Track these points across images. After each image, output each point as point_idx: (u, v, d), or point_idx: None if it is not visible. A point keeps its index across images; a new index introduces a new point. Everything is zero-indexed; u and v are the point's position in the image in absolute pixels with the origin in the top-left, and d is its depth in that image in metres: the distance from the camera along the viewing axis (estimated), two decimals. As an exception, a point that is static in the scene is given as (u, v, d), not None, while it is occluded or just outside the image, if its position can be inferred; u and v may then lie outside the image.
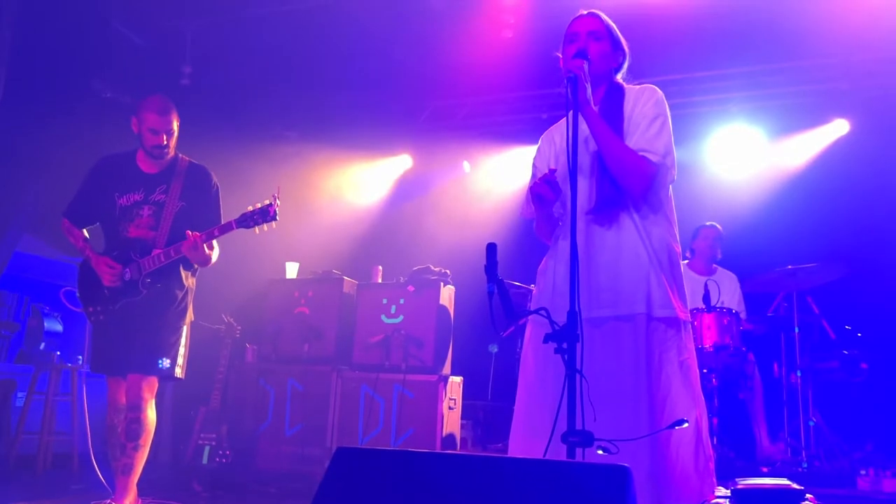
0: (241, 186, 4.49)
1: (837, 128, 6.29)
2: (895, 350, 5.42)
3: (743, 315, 5.46)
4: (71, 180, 3.88)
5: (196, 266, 3.67)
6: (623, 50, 2.73)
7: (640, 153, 2.51)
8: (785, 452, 5.02)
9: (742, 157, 6.54)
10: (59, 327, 5.65)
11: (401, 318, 5.42)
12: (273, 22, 5.48)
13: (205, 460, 5.31)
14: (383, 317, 5.49)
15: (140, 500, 3.54)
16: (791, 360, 5.16)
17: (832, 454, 5.02)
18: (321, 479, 1.81)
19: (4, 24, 4.64)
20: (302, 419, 5.44)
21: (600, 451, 2.13)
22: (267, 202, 3.47)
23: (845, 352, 5.16)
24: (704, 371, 4.96)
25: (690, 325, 2.62)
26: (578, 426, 2.04)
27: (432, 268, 5.54)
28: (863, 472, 4.45)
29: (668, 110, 2.60)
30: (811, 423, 4.94)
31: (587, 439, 2.02)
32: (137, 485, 3.49)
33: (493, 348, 6.12)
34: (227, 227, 3.48)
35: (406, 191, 7.59)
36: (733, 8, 5.13)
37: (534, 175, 2.81)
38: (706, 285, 5.10)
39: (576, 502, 1.59)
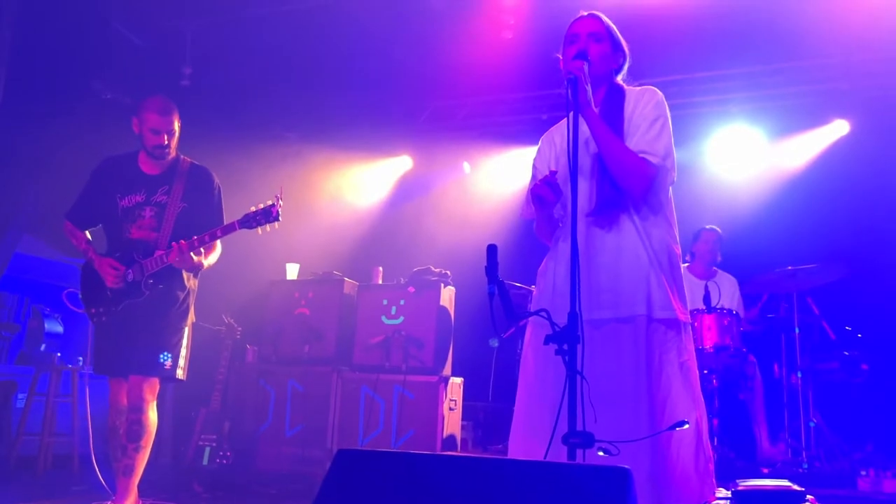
0: (242, 187, 4.49)
1: (837, 128, 6.29)
2: (895, 351, 5.42)
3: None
4: (71, 181, 3.88)
5: (204, 268, 3.67)
6: (623, 51, 2.73)
7: (641, 155, 2.51)
8: (785, 453, 5.02)
9: (742, 158, 6.54)
10: (59, 328, 5.65)
11: (401, 319, 5.42)
12: (273, 22, 5.49)
13: (205, 461, 5.31)
14: (384, 318, 5.49)
15: (141, 501, 3.55)
16: (791, 361, 5.16)
17: (833, 455, 5.02)
18: (322, 481, 1.81)
19: (4, 24, 4.65)
20: (302, 420, 5.44)
21: (601, 453, 2.13)
22: (270, 203, 3.48)
23: (846, 352, 5.16)
24: (705, 372, 4.96)
25: (690, 327, 2.62)
26: (579, 427, 2.04)
27: (432, 269, 5.54)
28: (863, 472, 4.45)
29: (668, 112, 2.60)
30: (812, 424, 4.93)
31: (588, 441, 2.02)
32: (138, 486, 3.49)
33: (494, 342, 6.11)
34: (230, 228, 3.48)
35: (406, 192, 7.59)
36: (733, 8, 5.13)
37: (534, 176, 2.81)
38: (706, 287, 5.10)
39: (576, 504, 1.60)
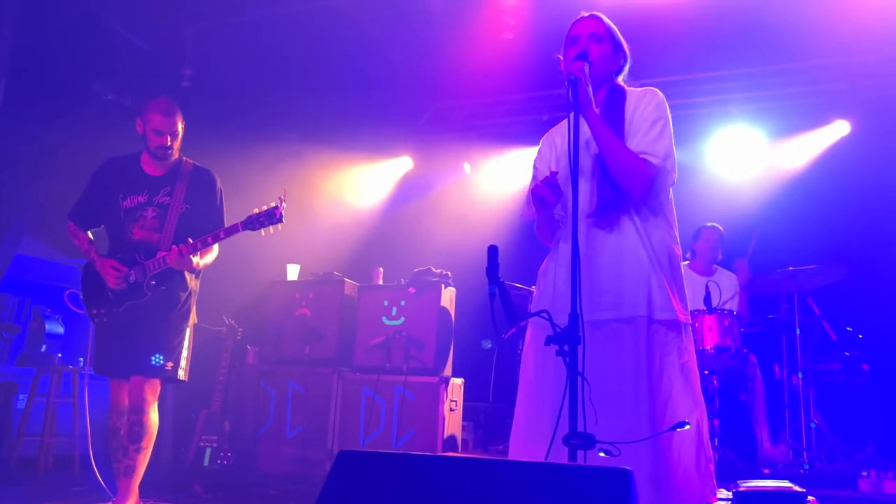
0: (242, 188, 4.50)
1: (838, 129, 6.29)
2: (896, 351, 5.42)
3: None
4: (72, 182, 3.89)
5: (200, 268, 3.67)
6: (624, 52, 2.73)
7: (641, 156, 2.51)
8: (786, 454, 5.02)
9: (743, 159, 6.55)
10: (60, 329, 5.65)
11: (402, 319, 5.43)
12: (273, 24, 5.49)
13: (206, 462, 5.32)
14: (384, 318, 5.49)
15: (142, 502, 3.55)
16: (792, 362, 5.15)
17: (833, 456, 5.02)
18: (323, 482, 1.81)
19: (5, 25, 4.65)
20: (303, 421, 5.44)
21: (602, 454, 2.13)
22: (273, 204, 3.48)
23: (846, 353, 5.15)
24: (705, 372, 4.96)
25: (691, 328, 2.62)
26: (580, 428, 2.04)
27: (433, 269, 5.54)
28: (864, 473, 4.44)
29: (668, 113, 2.60)
30: (812, 425, 4.93)
31: (589, 442, 2.02)
32: (139, 487, 3.49)
33: (487, 344, 6.12)
34: (234, 230, 3.49)
35: (407, 192, 7.60)
36: (734, 9, 5.14)
37: (534, 177, 2.81)
38: (707, 287, 5.10)
39: (577, 505, 1.60)
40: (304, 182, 6.69)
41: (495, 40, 5.42)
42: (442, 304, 5.38)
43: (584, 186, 2.55)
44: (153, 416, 3.48)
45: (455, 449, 5.21)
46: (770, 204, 6.12)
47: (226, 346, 5.67)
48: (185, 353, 3.61)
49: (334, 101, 6.42)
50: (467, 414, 5.61)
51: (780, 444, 5.12)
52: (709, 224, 5.73)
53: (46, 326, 5.53)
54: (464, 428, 5.52)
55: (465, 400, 5.47)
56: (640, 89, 2.68)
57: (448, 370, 5.37)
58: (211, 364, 5.55)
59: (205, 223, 3.59)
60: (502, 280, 2.27)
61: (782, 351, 5.33)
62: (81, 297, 3.72)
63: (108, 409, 3.61)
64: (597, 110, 2.53)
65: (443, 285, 5.42)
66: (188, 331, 3.64)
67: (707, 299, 5.01)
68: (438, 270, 5.54)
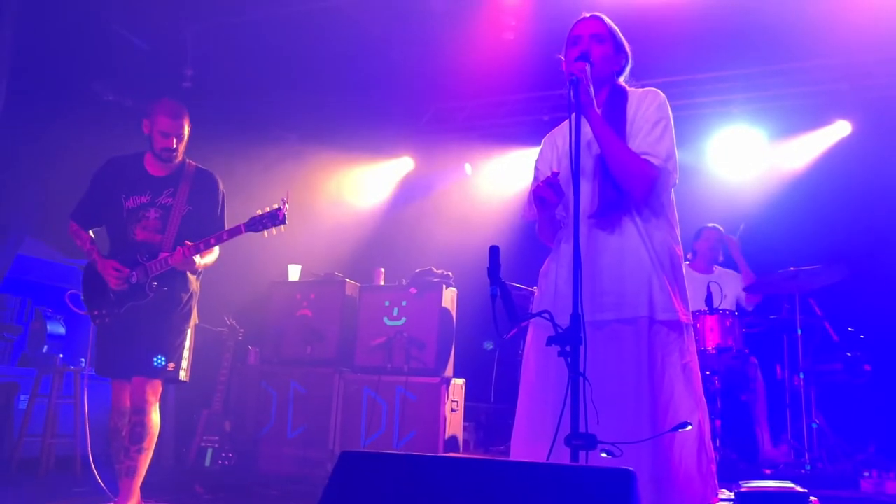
0: (243, 189, 4.50)
1: (839, 129, 6.29)
2: (898, 352, 5.41)
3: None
4: (73, 183, 3.89)
5: (200, 269, 3.68)
6: (625, 53, 2.73)
7: (643, 156, 2.51)
8: (788, 455, 5.01)
9: (744, 159, 6.55)
10: (61, 330, 5.65)
11: (403, 320, 5.43)
12: (274, 24, 5.49)
13: (207, 463, 5.32)
14: (385, 319, 5.49)
15: (143, 503, 3.54)
16: (794, 362, 5.15)
17: (835, 456, 5.01)
18: (326, 483, 1.81)
19: (6, 25, 4.65)
20: (304, 421, 5.44)
21: (603, 454, 2.12)
22: (276, 206, 3.49)
23: (848, 354, 5.15)
24: (707, 373, 4.96)
25: (692, 328, 2.62)
26: (581, 429, 2.04)
27: (434, 270, 5.54)
28: (866, 473, 4.44)
29: (670, 114, 2.60)
30: (814, 426, 4.92)
31: (590, 442, 2.02)
32: (140, 487, 3.49)
33: (489, 345, 6.12)
34: (237, 231, 3.49)
35: (408, 193, 7.60)
36: (734, 10, 5.13)
37: (536, 178, 2.81)
38: (708, 287, 5.10)
39: (580, 506, 1.59)
40: (305, 182, 6.69)
41: (496, 40, 5.42)
42: (443, 304, 5.38)
43: (586, 187, 2.54)
44: (155, 417, 3.48)
45: (456, 449, 5.21)
46: (771, 204, 6.12)
47: (227, 347, 5.67)
48: (186, 353, 3.61)
49: (335, 101, 6.42)
50: (468, 414, 5.61)
51: (781, 445, 5.12)
52: (709, 224, 5.77)
53: (48, 327, 5.53)
54: (465, 428, 5.52)
55: (466, 400, 5.47)
56: (641, 90, 2.68)
57: (449, 371, 5.37)
58: (212, 365, 5.55)
59: (206, 225, 3.59)
60: (504, 280, 2.27)
61: (784, 351, 5.33)
62: (82, 297, 3.72)
63: (109, 409, 3.61)
64: (598, 111, 2.52)
65: (444, 286, 5.43)
66: (189, 331, 3.64)
67: (709, 300, 5.01)
68: (439, 271, 5.54)
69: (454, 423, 5.25)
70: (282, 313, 5.81)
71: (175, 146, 3.59)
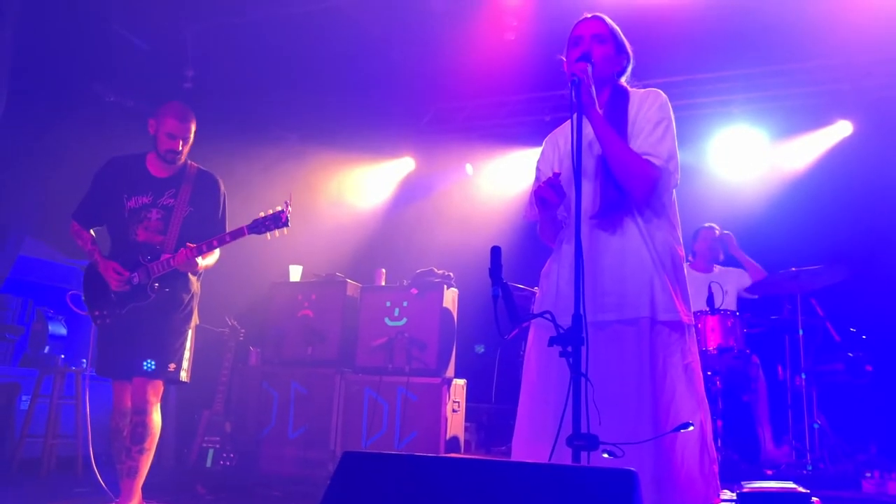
0: (244, 189, 4.50)
1: (840, 129, 6.29)
2: (899, 352, 5.41)
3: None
4: (74, 183, 3.89)
5: (200, 270, 3.68)
6: (627, 53, 2.72)
7: (644, 157, 2.51)
8: (789, 455, 5.01)
9: (745, 159, 6.55)
10: (63, 331, 5.65)
11: (404, 320, 5.42)
12: (274, 25, 5.49)
13: (209, 463, 5.32)
14: (386, 319, 5.49)
15: (144, 503, 3.54)
16: (795, 363, 5.14)
17: (837, 457, 5.01)
18: (328, 483, 1.81)
19: (6, 26, 4.65)
20: (305, 422, 5.44)
21: (605, 455, 2.12)
22: (279, 208, 3.49)
23: (850, 354, 5.15)
24: (708, 373, 4.96)
25: (694, 329, 2.62)
26: (583, 429, 2.04)
27: (435, 270, 5.54)
28: (868, 474, 4.44)
29: (672, 114, 2.60)
30: (816, 426, 4.92)
31: (592, 443, 2.02)
32: (142, 488, 3.49)
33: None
34: (239, 233, 3.50)
35: (409, 193, 7.60)
36: (735, 10, 5.13)
37: (537, 178, 2.80)
38: (710, 287, 5.09)
39: (582, 507, 1.59)
40: (306, 183, 6.69)
41: (497, 41, 5.42)
42: (444, 304, 5.38)
43: (587, 188, 2.54)
44: (156, 418, 3.48)
45: (457, 450, 5.21)
46: (772, 204, 6.11)
47: (228, 348, 5.67)
48: (187, 354, 3.61)
49: (335, 101, 6.42)
50: (470, 415, 5.61)
51: (783, 445, 5.11)
52: (706, 224, 5.79)
53: (49, 328, 5.53)
54: (466, 429, 5.52)
55: (467, 401, 5.47)
56: (643, 90, 2.67)
57: (450, 371, 5.37)
58: (213, 365, 5.55)
59: (208, 227, 3.60)
60: (505, 281, 2.26)
61: (785, 352, 5.33)
62: (83, 298, 3.72)
63: (110, 410, 3.61)
64: (600, 111, 2.52)
65: (445, 286, 5.42)
66: (190, 332, 3.64)
67: (710, 300, 5.00)
68: (441, 271, 5.54)
69: (455, 423, 5.25)
70: (283, 314, 5.81)
71: (180, 148, 3.60)
